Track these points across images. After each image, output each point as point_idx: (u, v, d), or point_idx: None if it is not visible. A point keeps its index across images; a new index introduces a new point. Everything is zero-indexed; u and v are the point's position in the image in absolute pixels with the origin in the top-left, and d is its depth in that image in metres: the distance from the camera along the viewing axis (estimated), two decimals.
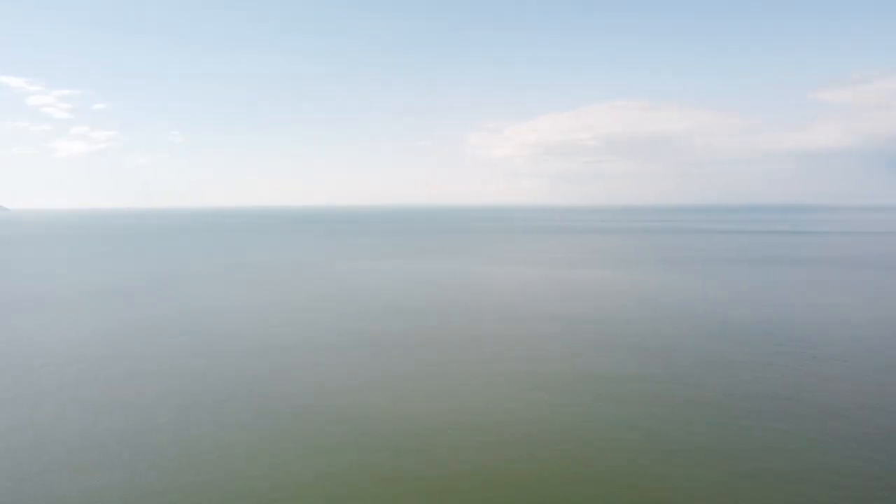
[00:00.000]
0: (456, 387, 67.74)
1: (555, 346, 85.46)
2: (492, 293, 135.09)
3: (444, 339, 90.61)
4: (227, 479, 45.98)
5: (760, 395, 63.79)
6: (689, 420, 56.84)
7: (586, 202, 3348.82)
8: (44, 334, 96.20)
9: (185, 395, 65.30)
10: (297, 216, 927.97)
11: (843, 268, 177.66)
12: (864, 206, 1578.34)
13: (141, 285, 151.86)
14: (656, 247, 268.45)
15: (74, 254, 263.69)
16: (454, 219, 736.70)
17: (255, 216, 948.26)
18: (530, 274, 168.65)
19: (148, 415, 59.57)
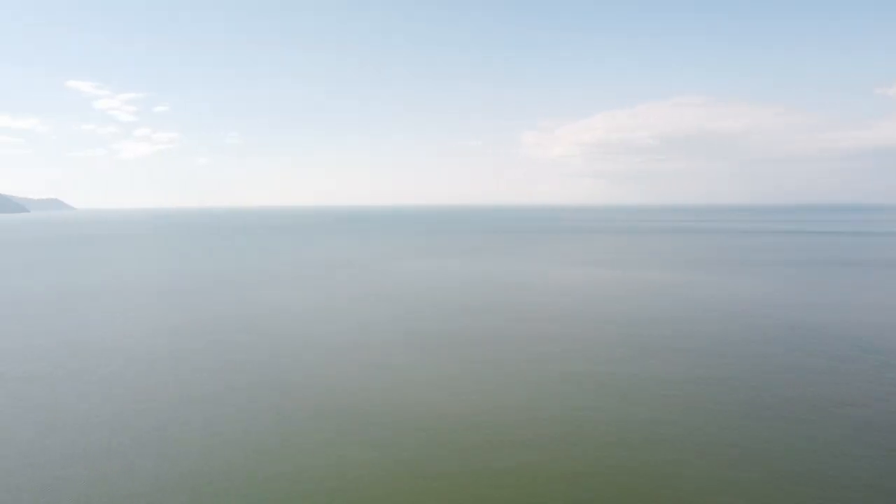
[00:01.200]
0: (507, 385, 68.04)
1: (609, 348, 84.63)
2: (545, 293, 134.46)
3: (496, 337, 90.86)
4: (293, 469, 47.71)
5: (822, 399, 62.06)
6: (745, 426, 55.82)
7: (643, 201, 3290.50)
8: (115, 329, 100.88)
9: (249, 389, 67.76)
10: (348, 215, 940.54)
11: None
12: None
13: (205, 283, 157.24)
14: (717, 248, 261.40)
15: (142, 252, 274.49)
16: (507, 219, 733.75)
17: (309, 216, 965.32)
18: (585, 274, 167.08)
19: (214, 406, 62.12)
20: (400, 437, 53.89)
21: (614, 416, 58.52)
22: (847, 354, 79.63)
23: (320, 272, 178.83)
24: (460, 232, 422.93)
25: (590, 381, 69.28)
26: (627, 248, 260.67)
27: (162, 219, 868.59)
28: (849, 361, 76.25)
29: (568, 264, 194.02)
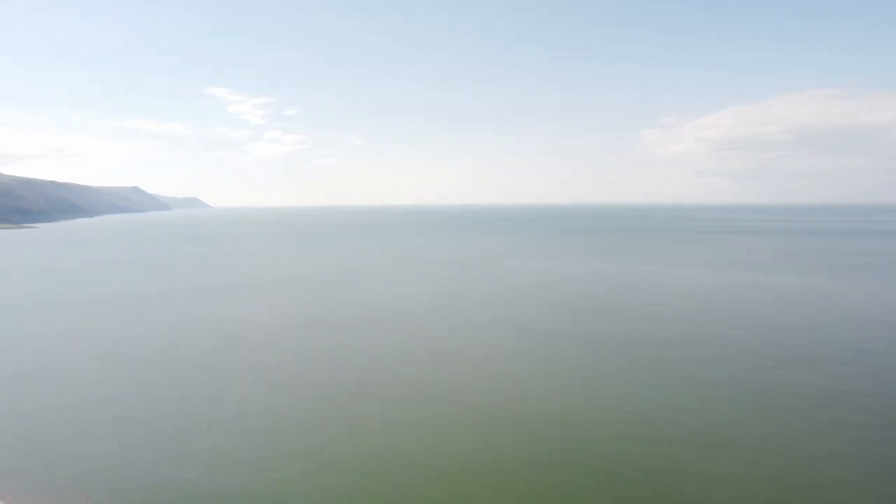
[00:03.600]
0: (635, 389, 68.03)
1: (741, 355, 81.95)
2: (667, 296, 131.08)
3: (614, 339, 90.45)
4: (436, 459, 50.94)
5: None
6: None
7: (774, 201, 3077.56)
8: (242, 321, 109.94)
9: (374, 383, 72.20)
10: (465, 214, 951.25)
11: None
12: None
13: (329, 276, 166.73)
14: (858, 251, 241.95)
15: (273, 247, 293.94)
16: (626, 218, 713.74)
17: (426, 214, 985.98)
18: (708, 277, 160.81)
19: (321, 397, 66.95)
20: (511, 431, 55.73)
21: (760, 430, 57.16)
22: None
23: (439, 269, 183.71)
24: (577, 231, 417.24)
25: (728, 389, 67.69)
26: (756, 251, 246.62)
27: (291, 216, 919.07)
28: None
29: (692, 266, 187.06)
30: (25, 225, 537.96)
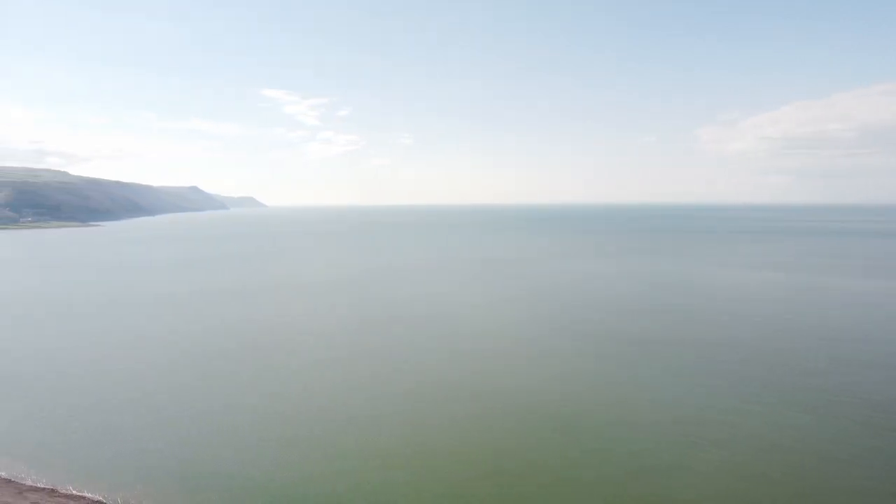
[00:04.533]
0: (676, 391, 66.30)
1: (801, 360, 78.99)
2: (723, 298, 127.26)
3: (667, 341, 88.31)
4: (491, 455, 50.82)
5: None
6: None
7: (837, 200, 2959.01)
8: (297, 320, 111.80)
9: (429, 384, 72.46)
10: (516, 214, 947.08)
11: None
12: None
13: (382, 275, 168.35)
14: None
15: (326, 246, 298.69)
16: (683, 217, 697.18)
17: (476, 213, 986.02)
18: (764, 279, 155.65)
19: (377, 396, 67.35)
20: (551, 431, 55.01)
21: (826, 436, 55.00)
22: None
23: (485, 268, 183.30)
24: (632, 231, 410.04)
25: (786, 393, 65.38)
26: (822, 252, 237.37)
27: (348, 216, 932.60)
28: None
29: (756, 268, 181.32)
30: (92, 223, 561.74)
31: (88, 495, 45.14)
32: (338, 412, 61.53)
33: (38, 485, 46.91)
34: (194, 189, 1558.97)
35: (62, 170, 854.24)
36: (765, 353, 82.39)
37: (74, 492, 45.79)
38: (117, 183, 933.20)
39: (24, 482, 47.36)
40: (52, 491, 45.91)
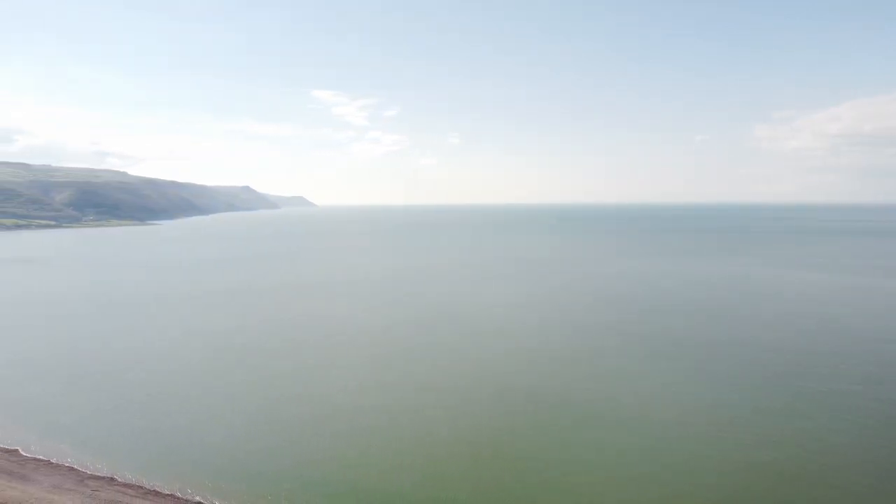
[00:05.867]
0: (733, 394, 64.39)
1: (857, 365, 75.76)
2: (781, 301, 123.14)
3: (723, 343, 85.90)
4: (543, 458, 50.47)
5: None
6: None
7: None
8: (346, 317, 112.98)
9: (483, 386, 72.30)
10: (565, 213, 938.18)
11: None
12: None
13: (431, 274, 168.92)
14: None
15: (376, 245, 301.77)
16: (737, 217, 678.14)
17: (524, 213, 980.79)
18: (822, 281, 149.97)
19: (425, 393, 67.40)
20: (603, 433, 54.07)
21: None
22: None
23: (534, 267, 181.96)
24: (685, 231, 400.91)
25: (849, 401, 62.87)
26: (883, 253, 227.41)
27: (396, 215, 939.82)
28: None
29: (816, 269, 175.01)
30: (149, 222, 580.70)
31: (145, 484, 46.55)
32: (391, 407, 61.91)
33: (99, 473, 48.61)
34: (246, 189, 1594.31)
35: (121, 170, 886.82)
36: (819, 355, 79.37)
37: (133, 481, 47.28)
38: (173, 183, 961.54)
39: (85, 470, 49.15)
40: (111, 479, 47.50)
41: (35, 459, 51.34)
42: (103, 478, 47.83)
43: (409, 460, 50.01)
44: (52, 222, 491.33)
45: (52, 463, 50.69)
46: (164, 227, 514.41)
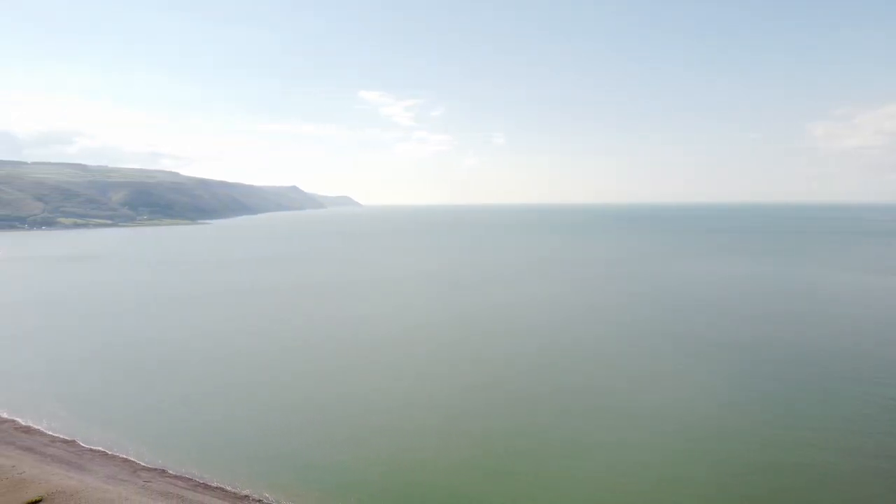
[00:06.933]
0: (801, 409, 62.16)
1: None
2: (844, 304, 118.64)
3: (777, 347, 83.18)
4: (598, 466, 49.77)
5: None
6: None
7: None
8: (392, 317, 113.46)
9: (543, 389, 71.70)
10: (612, 213, 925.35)
11: None
12: None
13: (479, 275, 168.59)
14: None
15: (421, 245, 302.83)
16: (792, 218, 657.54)
17: (570, 213, 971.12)
18: (889, 284, 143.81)
19: (479, 392, 66.99)
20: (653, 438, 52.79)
21: None
22: None
23: (585, 269, 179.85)
24: (736, 231, 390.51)
25: None
26: None
27: (441, 215, 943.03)
28: None
29: (872, 272, 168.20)
30: (200, 221, 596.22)
31: (196, 477, 47.51)
32: (447, 405, 61.90)
33: (151, 465, 49.86)
34: (294, 188, 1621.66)
35: (173, 171, 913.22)
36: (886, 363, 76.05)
37: (183, 473, 48.33)
38: (223, 183, 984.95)
39: (139, 462, 50.48)
40: (163, 471, 48.67)
41: (91, 450, 53.00)
42: (155, 469, 49.05)
43: (459, 459, 49.76)
44: (109, 221, 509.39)
45: (108, 454, 52.23)
46: (214, 225, 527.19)
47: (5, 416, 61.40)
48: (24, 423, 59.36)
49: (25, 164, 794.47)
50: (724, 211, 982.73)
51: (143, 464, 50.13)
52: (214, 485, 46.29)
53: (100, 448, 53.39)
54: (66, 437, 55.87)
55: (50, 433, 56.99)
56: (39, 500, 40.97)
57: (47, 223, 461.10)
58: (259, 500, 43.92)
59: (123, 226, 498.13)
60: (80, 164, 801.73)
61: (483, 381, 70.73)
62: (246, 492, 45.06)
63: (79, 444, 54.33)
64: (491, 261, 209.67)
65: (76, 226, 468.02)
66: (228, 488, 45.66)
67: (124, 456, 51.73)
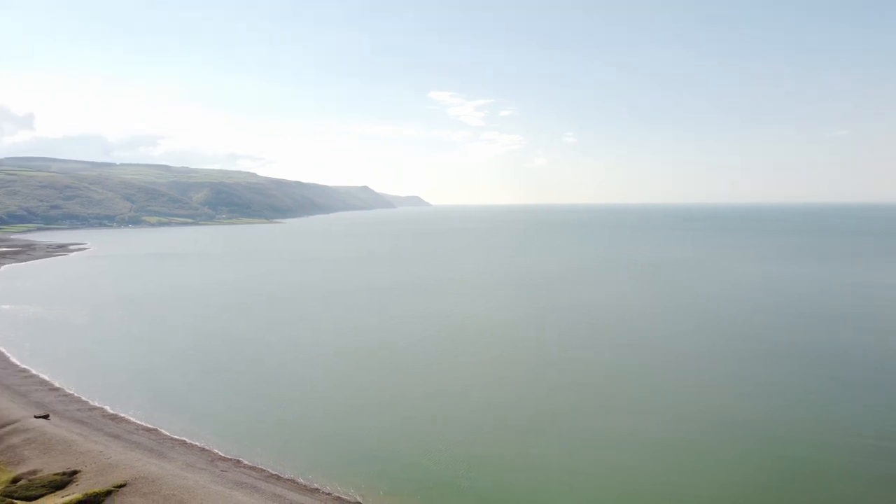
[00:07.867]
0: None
1: None
2: None
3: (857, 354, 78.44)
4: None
5: None
6: None
7: None
8: (467, 315, 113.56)
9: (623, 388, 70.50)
10: (682, 214, 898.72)
11: None
12: None
13: (552, 274, 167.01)
14: None
15: (495, 244, 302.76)
16: (883, 219, 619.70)
17: (642, 213, 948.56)
18: None
19: (565, 392, 66.13)
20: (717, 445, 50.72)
21: None
22: None
23: (659, 272, 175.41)
24: (820, 233, 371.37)
25: None
26: None
27: (512, 214, 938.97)
28: None
29: None
30: (275, 220, 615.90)
31: (269, 468, 48.97)
32: (532, 405, 61.67)
33: (227, 455, 51.70)
34: (365, 189, 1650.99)
35: (251, 171, 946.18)
36: None
37: (258, 464, 49.93)
38: (297, 183, 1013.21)
39: (216, 451, 52.45)
40: (238, 462, 50.38)
41: (172, 439, 55.45)
42: (231, 459, 50.82)
43: (550, 460, 49.38)
44: (190, 220, 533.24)
45: (187, 443, 54.49)
46: (289, 224, 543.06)
47: (96, 403, 65.03)
48: (111, 411, 62.70)
49: (114, 165, 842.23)
50: (812, 211, 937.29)
51: (220, 453, 52.03)
52: (286, 476, 47.54)
53: (180, 437, 55.76)
54: (150, 426, 58.62)
55: (135, 421, 59.97)
56: (124, 485, 43.22)
57: (133, 221, 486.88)
58: (329, 494, 44.81)
59: (203, 224, 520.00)
60: (164, 166, 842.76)
61: (575, 380, 69.93)
62: (315, 485, 46.05)
63: (161, 433, 56.91)
64: (563, 260, 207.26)
65: (160, 224, 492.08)
66: (301, 481, 46.80)
67: (202, 446, 53.82)
